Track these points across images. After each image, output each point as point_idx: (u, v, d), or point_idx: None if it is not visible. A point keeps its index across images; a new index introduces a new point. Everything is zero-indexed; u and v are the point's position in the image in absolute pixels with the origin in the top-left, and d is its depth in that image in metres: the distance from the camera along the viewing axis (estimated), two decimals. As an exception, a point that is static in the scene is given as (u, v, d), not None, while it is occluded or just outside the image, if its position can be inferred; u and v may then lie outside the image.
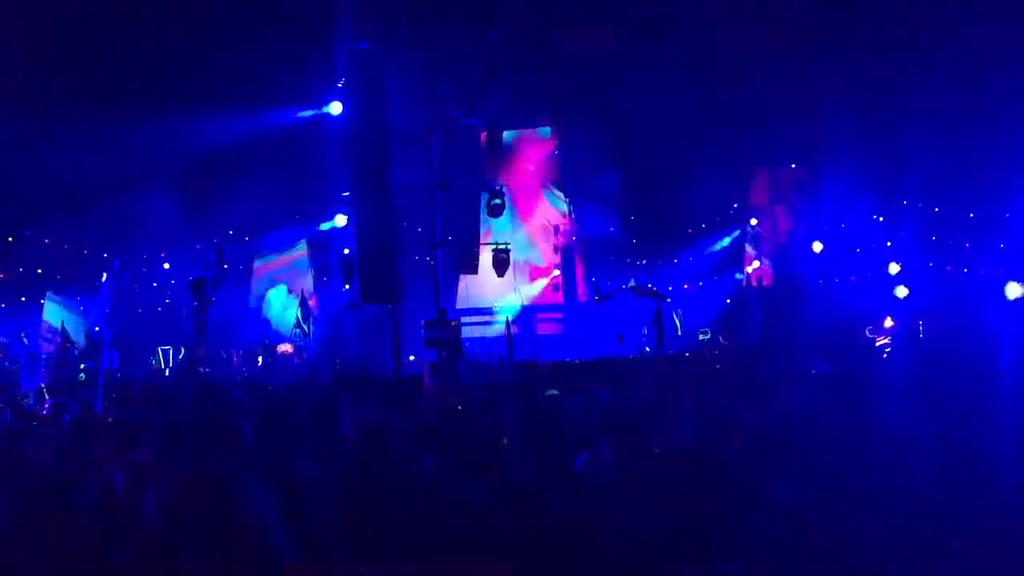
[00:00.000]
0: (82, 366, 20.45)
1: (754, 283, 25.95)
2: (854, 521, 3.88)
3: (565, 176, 28.28)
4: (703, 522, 2.61)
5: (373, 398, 7.76)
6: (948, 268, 24.03)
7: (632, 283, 25.19)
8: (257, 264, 26.34)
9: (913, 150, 22.69)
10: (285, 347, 23.57)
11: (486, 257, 17.82)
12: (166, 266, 28.35)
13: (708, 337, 24.52)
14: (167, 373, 20.21)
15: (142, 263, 27.91)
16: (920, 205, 25.14)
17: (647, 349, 19.88)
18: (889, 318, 20.92)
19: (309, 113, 20.94)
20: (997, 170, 21.79)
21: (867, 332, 19.43)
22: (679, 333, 23.17)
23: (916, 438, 4.96)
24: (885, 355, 16.79)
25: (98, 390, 7.64)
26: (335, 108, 17.21)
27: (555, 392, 6.59)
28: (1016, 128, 20.04)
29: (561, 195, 28.15)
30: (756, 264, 26.78)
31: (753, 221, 27.27)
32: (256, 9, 22.54)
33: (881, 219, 26.60)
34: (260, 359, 21.99)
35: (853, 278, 26.11)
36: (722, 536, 2.68)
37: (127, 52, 21.78)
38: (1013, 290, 20.46)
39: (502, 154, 18.53)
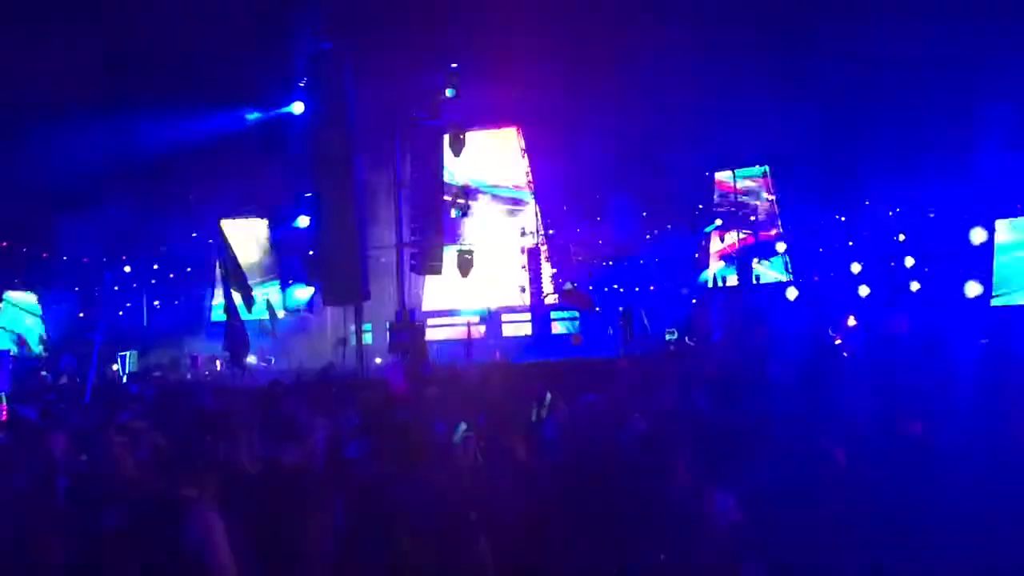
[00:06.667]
0: (43, 373, 20.10)
1: (719, 284, 26.11)
2: (799, 519, 3.86)
3: (532, 177, 28.32)
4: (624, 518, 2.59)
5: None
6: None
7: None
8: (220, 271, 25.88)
9: (874, 153, 23.01)
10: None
11: (450, 259, 17.71)
12: (127, 269, 28.00)
13: (675, 338, 24.56)
14: (124, 379, 19.90)
15: (103, 266, 27.55)
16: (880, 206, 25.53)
17: (622, 352, 19.84)
18: (852, 317, 21.12)
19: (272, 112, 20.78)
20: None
21: (829, 331, 19.56)
22: (648, 333, 23.19)
23: (870, 438, 4.98)
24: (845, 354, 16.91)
25: (85, 395, 7.45)
26: (297, 108, 17.01)
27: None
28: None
29: (527, 195, 28.17)
30: (720, 264, 26.94)
31: (718, 221, 27.44)
32: (219, 9, 22.27)
33: (843, 219, 26.95)
34: (219, 363, 21.73)
35: (816, 278, 26.40)
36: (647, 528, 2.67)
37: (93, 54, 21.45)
38: (973, 288, 20.80)
39: (466, 154, 18.39)
